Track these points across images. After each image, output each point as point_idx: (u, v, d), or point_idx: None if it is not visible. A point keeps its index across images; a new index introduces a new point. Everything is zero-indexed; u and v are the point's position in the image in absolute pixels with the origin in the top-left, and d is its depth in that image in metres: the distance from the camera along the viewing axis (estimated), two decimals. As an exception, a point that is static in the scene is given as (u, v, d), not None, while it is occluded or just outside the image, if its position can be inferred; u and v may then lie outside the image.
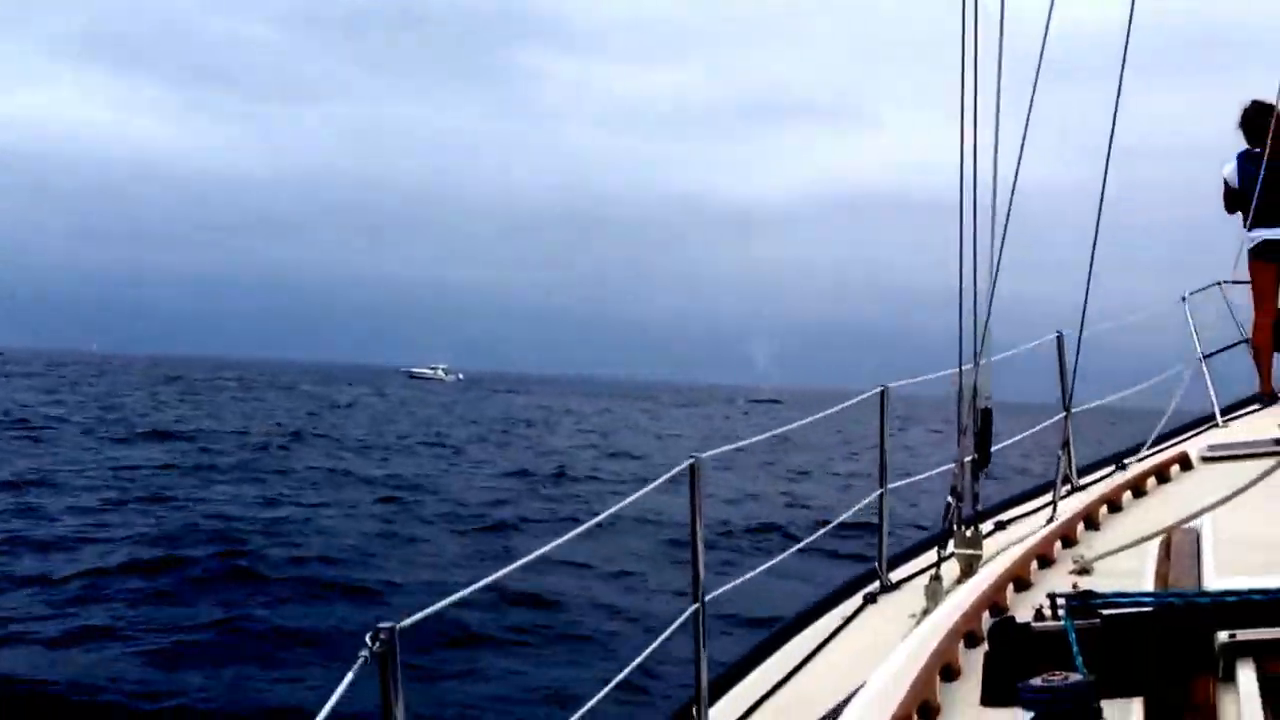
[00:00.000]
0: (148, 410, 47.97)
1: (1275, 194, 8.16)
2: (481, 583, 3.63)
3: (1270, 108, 8.88)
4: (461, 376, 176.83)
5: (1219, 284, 9.83)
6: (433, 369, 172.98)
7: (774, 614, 7.90)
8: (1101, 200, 5.43)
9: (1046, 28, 5.06)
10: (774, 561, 5.93)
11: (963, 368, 5.09)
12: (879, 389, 5.99)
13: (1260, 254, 8.86)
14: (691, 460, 4.65)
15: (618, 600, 14.00)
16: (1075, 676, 1.88)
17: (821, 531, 6.53)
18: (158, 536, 16.59)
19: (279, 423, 42.78)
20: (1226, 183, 9.03)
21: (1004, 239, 5.06)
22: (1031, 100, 5.08)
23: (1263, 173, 8.75)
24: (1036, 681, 1.87)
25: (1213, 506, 3.33)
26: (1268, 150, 8.74)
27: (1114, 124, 5.25)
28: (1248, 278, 9.14)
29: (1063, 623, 2.12)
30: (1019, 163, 5.05)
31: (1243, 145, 9.02)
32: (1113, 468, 7.48)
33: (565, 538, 4.18)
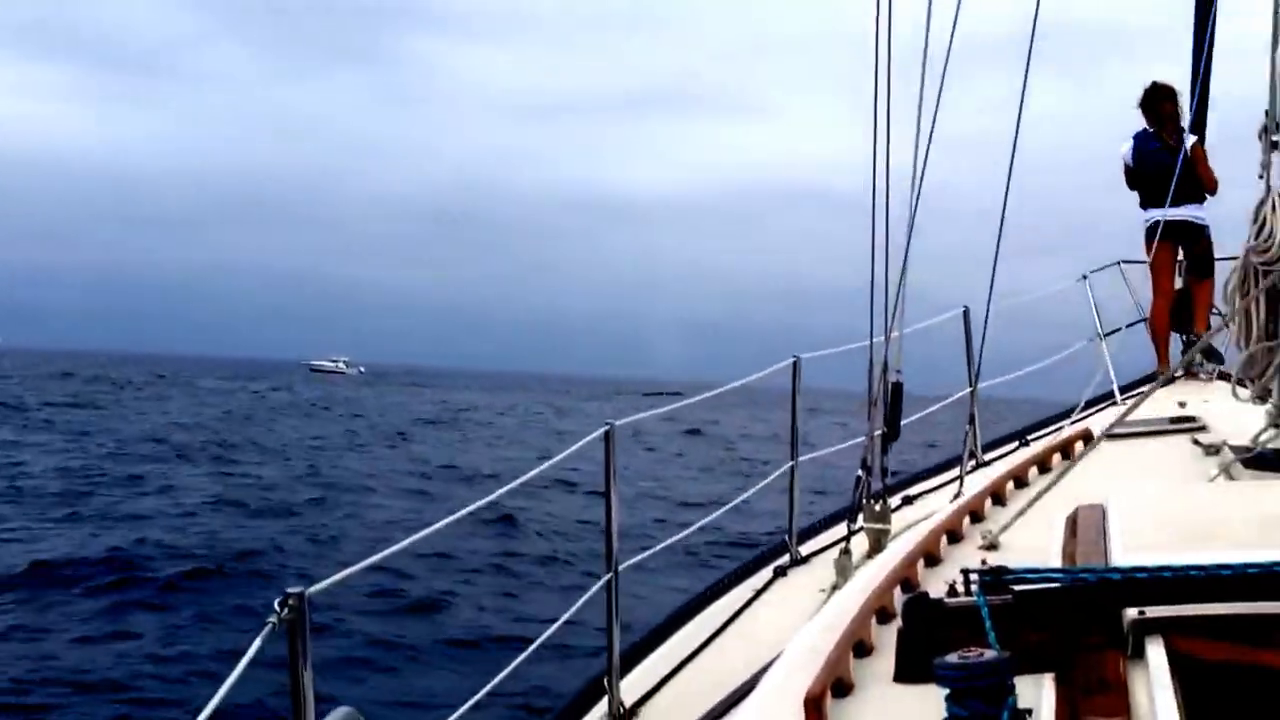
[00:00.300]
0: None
1: (1168, 175, 8.32)
2: (391, 550, 3.58)
3: (1168, 89, 9.09)
4: (363, 370, 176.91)
5: (1119, 263, 10.05)
6: (334, 362, 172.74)
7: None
8: (1008, 189, 5.52)
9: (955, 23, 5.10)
10: (686, 533, 5.94)
11: (873, 340, 5.10)
12: (792, 360, 6.01)
13: (1151, 234, 9.04)
14: (607, 427, 4.62)
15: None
16: (990, 653, 1.89)
17: (732, 504, 6.54)
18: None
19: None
20: (1125, 162, 9.21)
21: (915, 211, 5.09)
22: (940, 85, 5.10)
23: (1147, 150, 8.97)
24: (952, 658, 1.87)
25: (1118, 486, 3.38)
26: (1162, 131, 8.97)
27: (1020, 114, 5.34)
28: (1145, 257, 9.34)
29: (975, 599, 2.12)
30: (931, 130, 5.09)
31: (1142, 125, 9.21)
32: (1016, 444, 7.62)
33: (484, 501, 4.15)
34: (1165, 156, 8.58)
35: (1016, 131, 5.41)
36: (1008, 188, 5.60)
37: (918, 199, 5.11)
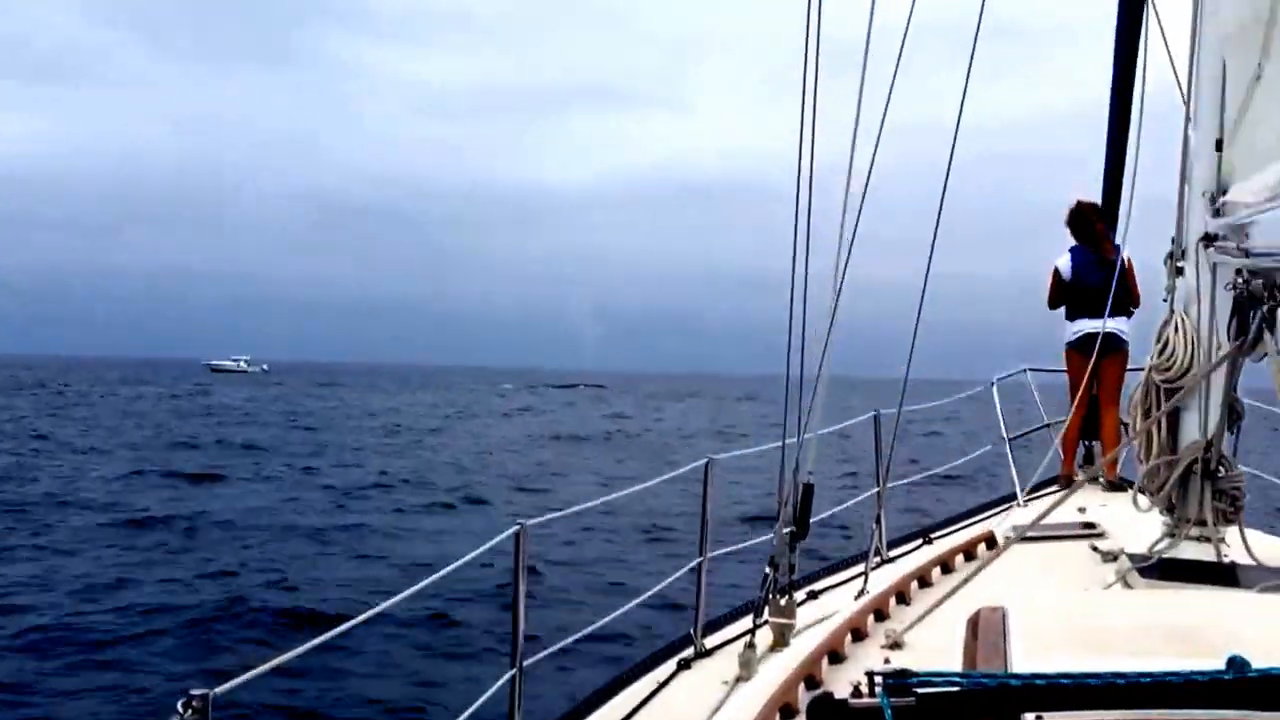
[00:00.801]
0: None
1: (1105, 288, 8.46)
2: (305, 647, 3.52)
3: (1094, 206, 9.40)
4: (266, 368, 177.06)
5: (1025, 370, 10.31)
6: (235, 361, 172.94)
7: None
8: (934, 242, 5.62)
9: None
10: (593, 628, 5.90)
11: (785, 441, 5.16)
12: (705, 460, 6.07)
13: (1079, 346, 9.26)
14: (517, 528, 4.62)
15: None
16: (892, 755, 1.92)
17: (642, 598, 6.51)
18: None
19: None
20: (1059, 275, 9.40)
21: (839, 297, 5.14)
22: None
23: (1084, 264, 9.23)
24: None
25: (1020, 591, 3.45)
26: (1098, 248, 9.25)
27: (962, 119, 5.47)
28: (1055, 366, 9.59)
29: (879, 700, 2.15)
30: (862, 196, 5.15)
31: (1070, 241, 9.49)
32: (920, 542, 7.73)
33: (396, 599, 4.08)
34: (1104, 270, 8.83)
35: (952, 151, 5.53)
36: (934, 240, 5.70)
37: (839, 291, 5.16)
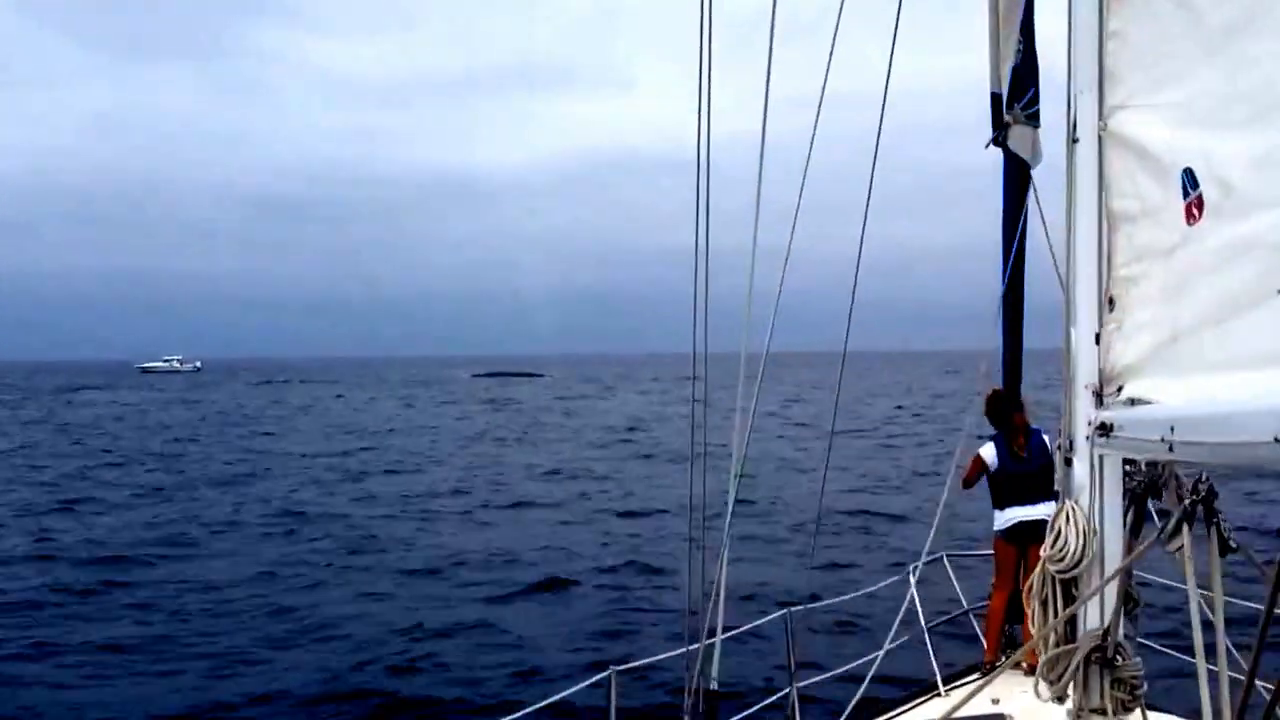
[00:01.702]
0: None
1: (1027, 476, 8.82)
2: None
3: (1014, 399, 9.53)
4: (199, 366, 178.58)
5: (944, 555, 10.29)
6: (167, 361, 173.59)
7: None
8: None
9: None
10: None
11: (689, 647, 5.08)
12: (609, 672, 5.95)
13: (1009, 535, 9.30)
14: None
15: None
16: None
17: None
18: None
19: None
20: (983, 464, 9.45)
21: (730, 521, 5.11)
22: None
23: (1009, 455, 9.31)
24: None
25: None
26: (1014, 441, 9.36)
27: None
28: (972, 550, 9.60)
29: None
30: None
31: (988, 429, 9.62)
32: None
33: None
34: (1026, 465, 9.06)
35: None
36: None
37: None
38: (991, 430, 9.56)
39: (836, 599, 8.51)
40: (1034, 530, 8.99)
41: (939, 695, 8.39)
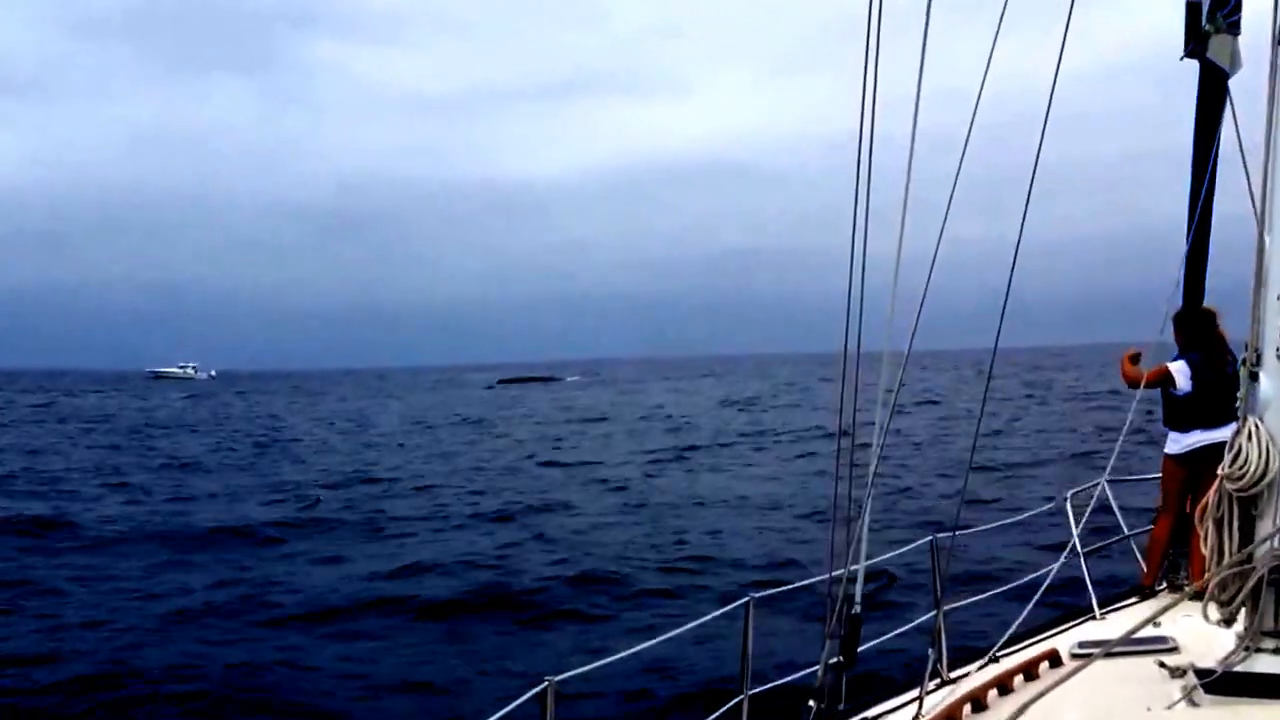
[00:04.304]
0: None
1: (1226, 397, 7.53)
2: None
3: (1213, 313, 8.98)
4: (214, 374, 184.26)
5: (1104, 483, 9.84)
6: (181, 368, 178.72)
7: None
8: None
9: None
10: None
11: (831, 574, 5.05)
12: (746, 600, 5.96)
13: (1189, 459, 8.75)
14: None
15: None
16: None
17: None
18: None
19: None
20: (1169, 381, 8.79)
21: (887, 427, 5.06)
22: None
23: (1206, 373, 8.73)
24: None
25: None
26: (1213, 354, 8.81)
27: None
28: (1133, 475, 9.17)
29: None
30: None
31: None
32: (986, 660, 7.36)
33: None
34: (1224, 379, 8.29)
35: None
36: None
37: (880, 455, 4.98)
38: None
39: (986, 525, 8.22)
40: (1211, 454, 8.43)
41: (1094, 619, 8.12)
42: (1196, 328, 8.88)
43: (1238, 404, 5.12)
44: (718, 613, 6.59)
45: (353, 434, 55.00)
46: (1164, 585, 9.08)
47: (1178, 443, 8.84)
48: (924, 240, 5.30)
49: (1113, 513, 9.61)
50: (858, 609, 5.28)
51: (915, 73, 5.13)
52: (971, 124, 5.35)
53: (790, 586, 7.41)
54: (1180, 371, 8.75)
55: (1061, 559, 9.10)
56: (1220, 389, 8.27)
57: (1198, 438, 8.69)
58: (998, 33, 5.39)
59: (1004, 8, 5.40)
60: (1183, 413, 8.82)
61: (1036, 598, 7.87)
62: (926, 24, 5.10)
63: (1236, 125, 7.63)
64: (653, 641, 6.19)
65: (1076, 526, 9.30)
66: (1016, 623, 7.43)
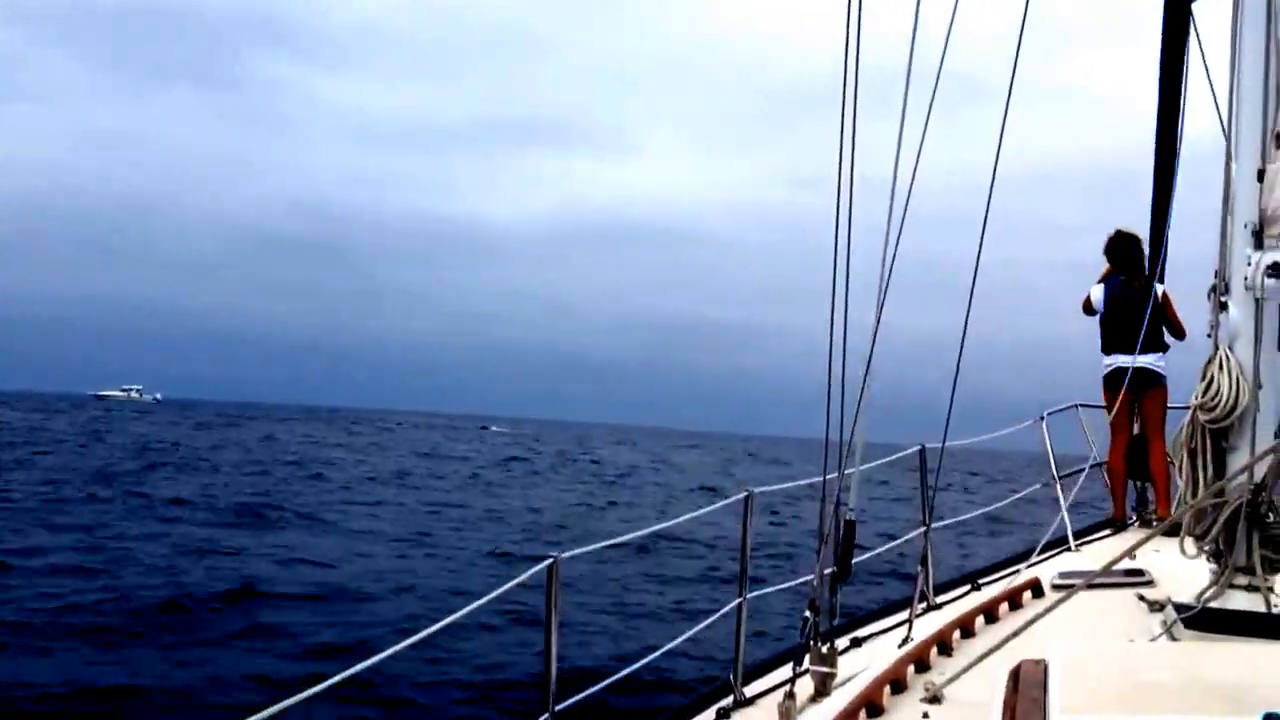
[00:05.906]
0: None
1: (1136, 322, 8.29)
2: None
3: (1133, 238, 9.25)
4: (159, 398, 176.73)
5: (1077, 406, 10.11)
6: (125, 390, 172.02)
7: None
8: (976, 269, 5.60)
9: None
10: (629, 670, 5.84)
11: (826, 476, 5.07)
12: (745, 494, 6.00)
13: (1109, 381, 9.14)
14: (550, 560, 4.55)
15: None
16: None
17: (674, 644, 6.45)
18: None
19: None
20: (1089, 305, 9.30)
21: (876, 337, 5.11)
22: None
23: (1116, 296, 9.07)
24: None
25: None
26: (1133, 279, 9.09)
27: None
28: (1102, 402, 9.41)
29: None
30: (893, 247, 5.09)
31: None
32: (969, 587, 7.61)
33: None
34: (1135, 303, 8.67)
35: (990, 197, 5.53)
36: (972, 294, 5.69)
37: (875, 336, 5.12)
38: None
39: (968, 439, 8.41)
40: (1139, 379, 8.79)
41: (1069, 550, 8.36)
42: (1119, 252, 9.25)
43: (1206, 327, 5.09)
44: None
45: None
46: (1134, 520, 9.43)
47: (1101, 364, 9.25)
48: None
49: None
50: (851, 515, 5.22)
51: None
52: (904, 215, 5.21)
53: (787, 485, 7.54)
54: (1096, 294, 9.24)
55: (1024, 490, 9.37)
56: (1136, 313, 8.52)
57: (1113, 360, 9.09)
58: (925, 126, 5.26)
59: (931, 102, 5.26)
60: (1103, 336, 9.23)
61: (1002, 519, 7.98)
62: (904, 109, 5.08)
63: (1203, 53, 7.62)
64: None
65: (1050, 451, 9.57)
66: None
